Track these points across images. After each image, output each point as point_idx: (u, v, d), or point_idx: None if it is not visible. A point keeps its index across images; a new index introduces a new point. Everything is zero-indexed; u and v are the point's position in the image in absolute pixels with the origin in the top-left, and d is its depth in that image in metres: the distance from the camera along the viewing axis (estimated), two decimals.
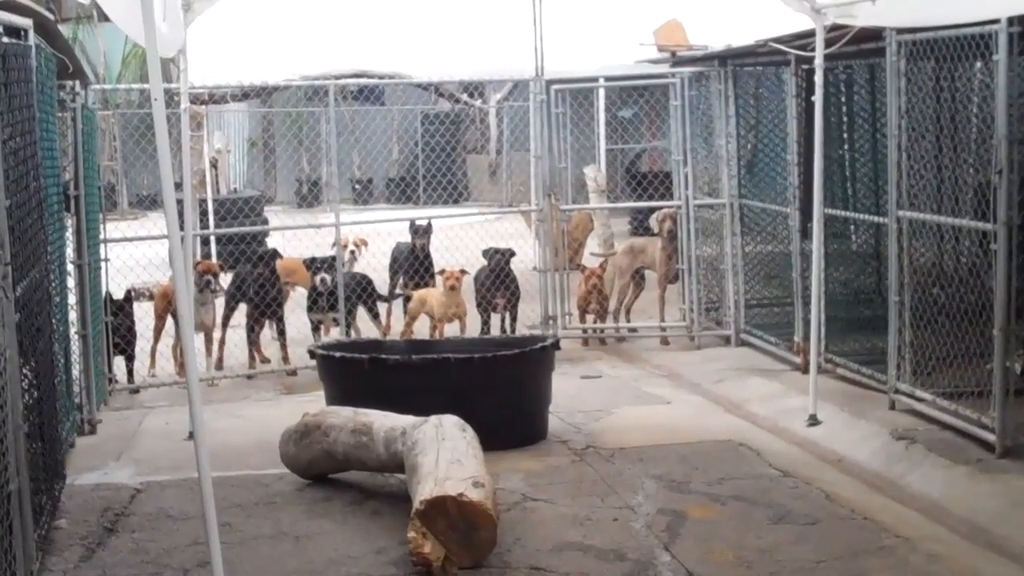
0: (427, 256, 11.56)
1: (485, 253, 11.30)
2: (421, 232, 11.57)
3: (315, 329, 10.75)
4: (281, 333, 10.55)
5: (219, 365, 10.51)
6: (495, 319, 11.24)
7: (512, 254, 11.28)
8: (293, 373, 10.25)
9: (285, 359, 10.49)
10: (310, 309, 10.75)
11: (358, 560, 5.89)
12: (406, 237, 11.80)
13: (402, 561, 5.78)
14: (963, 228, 8.02)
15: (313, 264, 10.66)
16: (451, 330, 10.79)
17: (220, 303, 10.67)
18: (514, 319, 11.24)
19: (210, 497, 5.27)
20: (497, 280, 11.06)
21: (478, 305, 11.17)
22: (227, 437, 8.17)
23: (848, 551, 5.85)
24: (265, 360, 10.63)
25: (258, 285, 10.46)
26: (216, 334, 10.54)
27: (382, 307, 11.47)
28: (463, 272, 10.85)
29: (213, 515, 5.27)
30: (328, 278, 10.50)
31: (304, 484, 7.15)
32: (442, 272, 10.86)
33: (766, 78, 10.79)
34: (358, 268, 11.79)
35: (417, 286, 11.32)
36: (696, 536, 6.11)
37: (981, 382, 7.30)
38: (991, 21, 6.91)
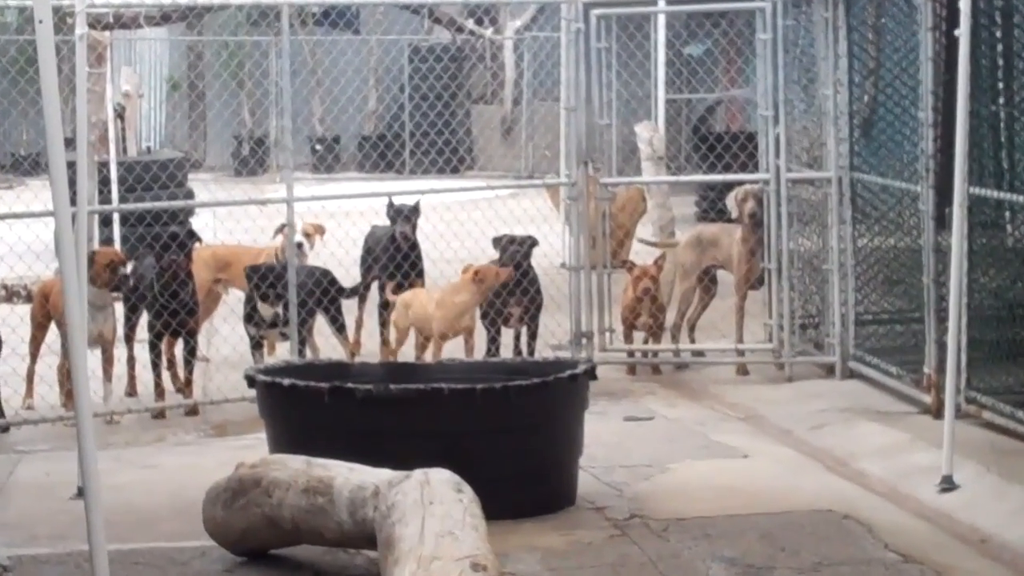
0: (413, 247, 11.58)
1: (496, 243, 11.33)
2: (405, 215, 11.57)
3: (256, 346, 10.80)
4: (191, 353, 10.55)
5: (131, 390, 10.64)
6: (507, 335, 11.27)
7: (533, 244, 11.32)
8: (193, 412, 10.33)
9: (186, 387, 10.52)
10: (249, 319, 10.79)
11: None
12: (385, 219, 11.84)
13: None
14: None
15: (255, 275, 10.61)
16: (450, 350, 10.80)
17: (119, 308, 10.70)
18: (533, 335, 11.28)
19: None
20: (511, 281, 11.08)
21: (483, 316, 11.19)
22: (131, 495, 8.20)
23: None
24: (182, 387, 10.61)
25: (162, 284, 10.39)
26: (119, 351, 10.59)
27: (349, 316, 11.49)
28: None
29: None
30: (279, 313, 10.50)
31: (236, 562, 7.17)
32: (476, 275, 10.68)
33: (891, 4, 10.79)
34: (316, 262, 11.82)
35: (399, 288, 11.33)
36: None
37: None
38: None
